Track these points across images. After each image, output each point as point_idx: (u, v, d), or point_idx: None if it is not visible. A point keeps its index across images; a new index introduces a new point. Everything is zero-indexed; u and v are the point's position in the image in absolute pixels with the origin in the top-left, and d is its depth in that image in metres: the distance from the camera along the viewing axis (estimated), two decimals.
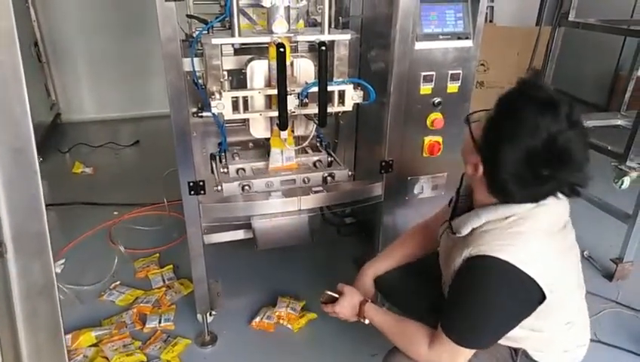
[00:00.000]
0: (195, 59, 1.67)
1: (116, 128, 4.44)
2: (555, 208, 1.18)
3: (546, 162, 1.06)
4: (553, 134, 1.03)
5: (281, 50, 1.46)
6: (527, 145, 1.05)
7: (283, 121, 1.62)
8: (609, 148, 2.07)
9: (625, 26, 2.57)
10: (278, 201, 1.84)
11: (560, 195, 1.14)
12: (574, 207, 1.23)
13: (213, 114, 1.63)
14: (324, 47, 1.47)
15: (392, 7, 1.70)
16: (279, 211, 1.87)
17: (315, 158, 1.95)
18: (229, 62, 1.77)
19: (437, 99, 1.83)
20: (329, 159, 1.93)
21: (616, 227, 2.35)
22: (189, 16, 1.78)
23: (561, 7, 2.36)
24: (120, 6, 4.19)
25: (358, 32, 2.07)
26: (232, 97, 1.61)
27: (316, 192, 1.87)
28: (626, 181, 2.01)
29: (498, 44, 4.41)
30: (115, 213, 2.92)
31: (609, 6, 4.38)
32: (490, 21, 5.37)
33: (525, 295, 1.13)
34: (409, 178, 1.98)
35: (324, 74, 1.54)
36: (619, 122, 2.56)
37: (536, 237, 1.13)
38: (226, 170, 1.85)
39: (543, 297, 1.12)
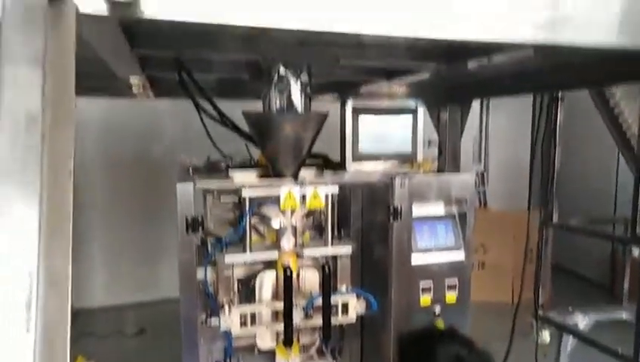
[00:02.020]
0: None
1: (124, 314, 4.45)
2: None
3: None
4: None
5: (288, 273, 1.59)
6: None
7: (288, 337, 1.67)
8: (619, 351, 2.04)
9: (610, 224, 2.75)
10: None
11: None
12: None
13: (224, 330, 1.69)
14: (327, 270, 1.61)
15: (387, 221, 1.88)
16: None
17: None
18: (240, 272, 1.89)
19: (437, 310, 1.89)
20: None
21: None
22: (206, 233, 1.95)
23: (546, 208, 2.57)
24: (137, 197, 4.57)
25: (359, 235, 2.21)
26: (241, 313, 1.70)
27: None
28: None
29: (494, 228, 4.50)
30: None
31: (594, 202, 4.66)
32: (485, 204, 5.62)
33: None
34: None
35: (327, 291, 1.65)
36: (623, 316, 2.55)
37: None
38: None
39: None
